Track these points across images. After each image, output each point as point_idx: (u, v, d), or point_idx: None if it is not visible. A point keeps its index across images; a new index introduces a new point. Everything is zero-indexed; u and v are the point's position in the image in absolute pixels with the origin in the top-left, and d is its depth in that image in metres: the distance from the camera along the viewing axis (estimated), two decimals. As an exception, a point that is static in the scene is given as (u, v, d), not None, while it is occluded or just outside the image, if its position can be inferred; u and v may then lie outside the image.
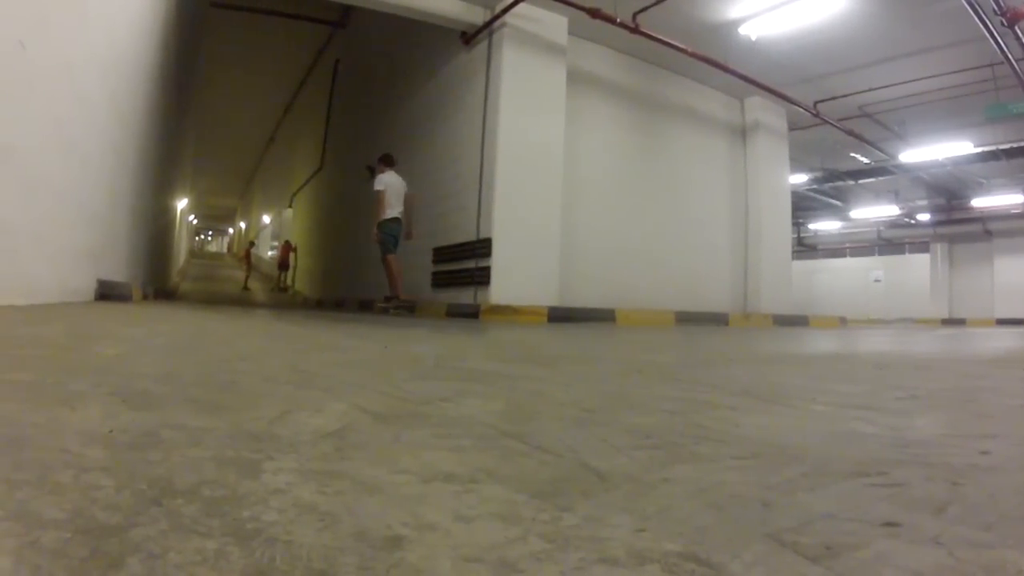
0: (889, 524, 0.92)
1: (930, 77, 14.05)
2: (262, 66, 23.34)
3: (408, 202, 11.70)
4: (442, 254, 12.61)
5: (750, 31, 12.35)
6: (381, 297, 11.79)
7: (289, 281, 29.92)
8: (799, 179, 22.22)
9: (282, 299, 23.35)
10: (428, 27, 12.34)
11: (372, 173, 15.66)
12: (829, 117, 15.60)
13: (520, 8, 11.12)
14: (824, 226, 34.16)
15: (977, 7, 10.21)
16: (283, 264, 30.02)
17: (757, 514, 0.96)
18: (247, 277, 31.62)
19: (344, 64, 20.92)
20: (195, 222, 57.12)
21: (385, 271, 11.50)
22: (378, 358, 3.33)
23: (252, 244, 40.16)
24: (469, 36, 12.07)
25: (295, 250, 28.87)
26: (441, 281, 12.60)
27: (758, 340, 7.19)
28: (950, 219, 29.00)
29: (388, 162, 11.86)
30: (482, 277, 11.12)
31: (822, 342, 7.03)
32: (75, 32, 6.25)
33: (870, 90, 14.82)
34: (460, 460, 1.19)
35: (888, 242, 34.76)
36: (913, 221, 30.57)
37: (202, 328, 5.20)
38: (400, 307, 11.62)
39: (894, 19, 12.04)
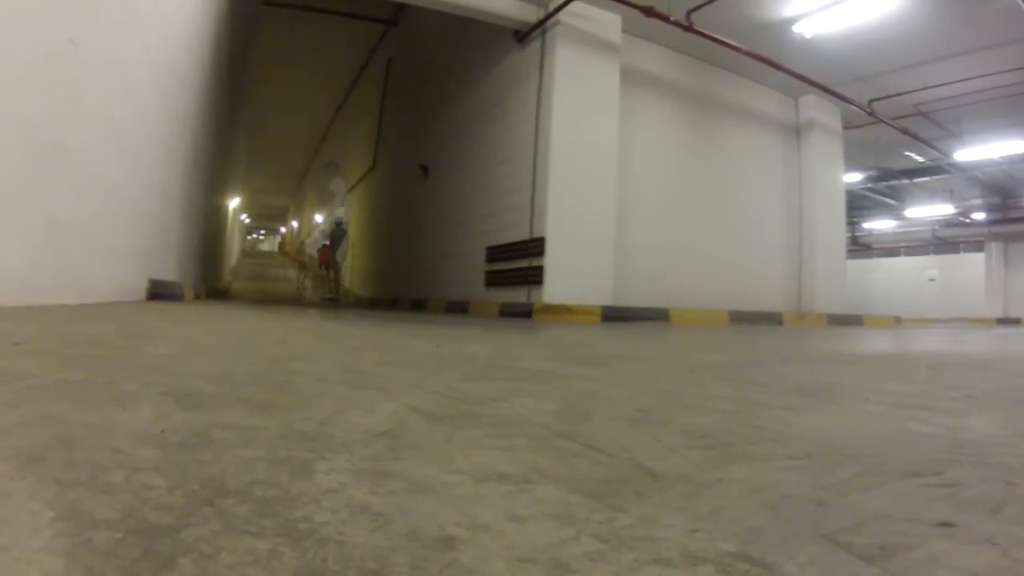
0: (944, 524, 0.91)
1: (984, 76, 13.91)
2: (314, 64, 23.46)
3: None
4: (495, 253, 12.62)
5: (804, 29, 12.29)
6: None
7: (337, 283, 27.80)
8: (853, 178, 22.09)
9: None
10: (481, 25, 12.37)
11: (426, 173, 15.74)
12: (884, 116, 15.46)
13: (574, 6, 11.12)
14: (879, 225, 33.87)
15: (1032, 5, 10.08)
16: (325, 263, 28.74)
17: (811, 514, 0.96)
18: (301, 275, 32.02)
19: (396, 63, 20.98)
20: (247, 221, 57.68)
21: None
22: (431, 358, 3.34)
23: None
24: (522, 34, 12.06)
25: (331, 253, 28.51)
26: (494, 280, 12.60)
27: (812, 340, 7.14)
28: (1005, 218, 28.64)
29: None
30: (535, 276, 11.12)
31: (876, 342, 6.98)
32: (127, 30, 6.31)
33: (924, 88, 14.69)
34: (513, 460, 1.19)
35: (943, 241, 34.37)
36: (968, 220, 30.22)
37: (254, 328, 5.24)
38: None
39: (948, 17, 11.94)
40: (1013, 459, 1.31)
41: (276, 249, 69.91)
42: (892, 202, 28.53)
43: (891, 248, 37.39)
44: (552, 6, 11.31)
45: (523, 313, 10.78)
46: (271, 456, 1.12)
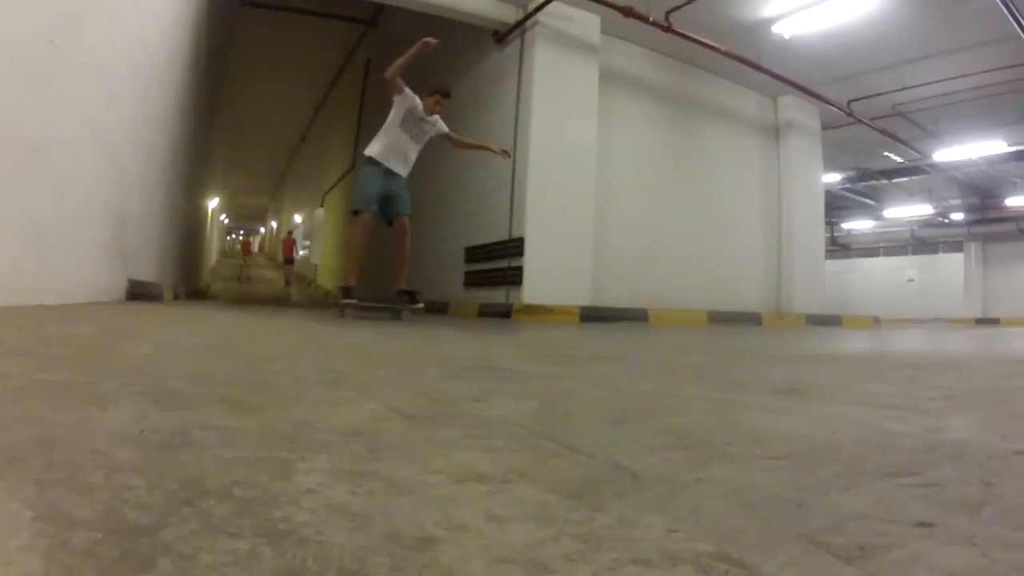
0: (923, 524, 0.91)
1: (964, 76, 14.00)
2: (293, 65, 23.43)
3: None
4: (474, 253, 12.64)
5: (783, 30, 12.35)
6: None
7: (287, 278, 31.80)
8: (832, 178, 22.20)
9: (314, 298, 23.55)
10: (460, 26, 12.38)
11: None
12: (862, 116, 15.57)
13: (553, 7, 11.14)
14: (857, 225, 34.06)
15: (1011, 5, 10.18)
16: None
17: (790, 514, 0.96)
18: (287, 275, 32.46)
19: (375, 63, 20.92)
20: (226, 221, 57.62)
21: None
22: (410, 358, 3.34)
23: (290, 233, 40.70)
24: (502, 35, 12.10)
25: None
26: (473, 280, 12.63)
27: (791, 340, 7.18)
28: (984, 218, 28.84)
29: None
30: (514, 276, 11.14)
31: (855, 342, 7.02)
32: (106, 30, 6.28)
33: (903, 89, 14.76)
34: (492, 460, 1.19)
35: (921, 241, 34.61)
36: (947, 220, 30.42)
37: (233, 328, 5.22)
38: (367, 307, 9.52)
39: (927, 18, 12.02)
40: (992, 459, 1.31)
41: (256, 249, 69.87)
42: (871, 202, 28.67)
43: (870, 248, 37.58)
44: (531, 7, 11.34)
45: (502, 313, 10.79)
46: (250, 456, 1.12)
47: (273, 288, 29.39)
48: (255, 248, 70.48)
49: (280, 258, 35.42)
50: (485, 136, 12.16)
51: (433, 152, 13.67)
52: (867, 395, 2.38)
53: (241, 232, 75.25)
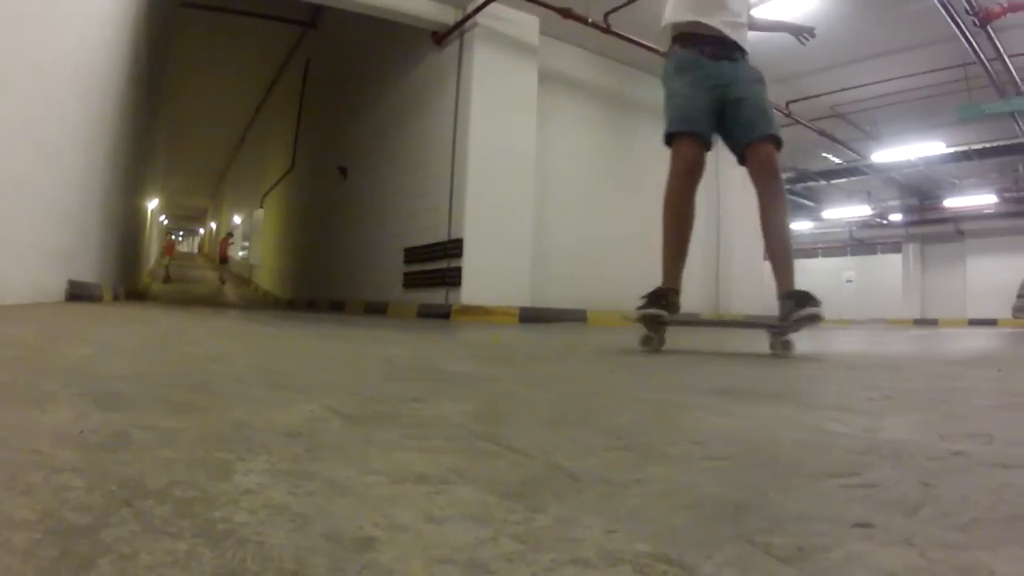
0: (862, 525, 0.90)
1: (902, 77, 14.19)
2: (232, 66, 23.29)
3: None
4: (413, 254, 12.62)
5: (722, 31, 12.32)
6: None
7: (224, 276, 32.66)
8: (771, 179, 22.29)
9: (254, 299, 23.42)
10: (399, 27, 12.34)
11: (344, 174, 15.62)
12: (801, 117, 15.74)
13: (491, 8, 11.13)
14: (796, 226, 34.23)
15: (949, 7, 10.32)
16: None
17: (729, 515, 0.95)
18: (222, 274, 32.47)
19: (315, 64, 20.92)
20: (166, 222, 56.91)
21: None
22: (349, 359, 3.33)
23: (230, 235, 40.56)
24: (440, 36, 12.07)
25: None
26: (412, 281, 12.61)
27: (730, 340, 7.22)
28: (922, 219, 29.21)
29: None
30: (453, 278, 11.14)
31: (793, 342, 7.06)
32: (46, 32, 6.22)
33: (842, 90, 14.97)
34: (431, 461, 1.18)
35: (860, 242, 34.98)
36: (885, 221, 30.82)
37: (173, 329, 5.17)
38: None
39: (866, 19, 12.15)
40: (931, 460, 1.30)
41: (196, 250, 69.24)
42: (809, 203, 28.93)
43: (808, 249, 37.84)
44: (470, 8, 11.33)
45: (441, 314, 10.79)
46: (190, 457, 1.11)
47: (211, 287, 29.21)
48: (195, 249, 69.81)
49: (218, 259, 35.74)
50: (423, 138, 12.15)
51: (372, 154, 13.65)
52: (806, 396, 2.39)
53: (181, 233, 74.38)
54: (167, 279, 29.63)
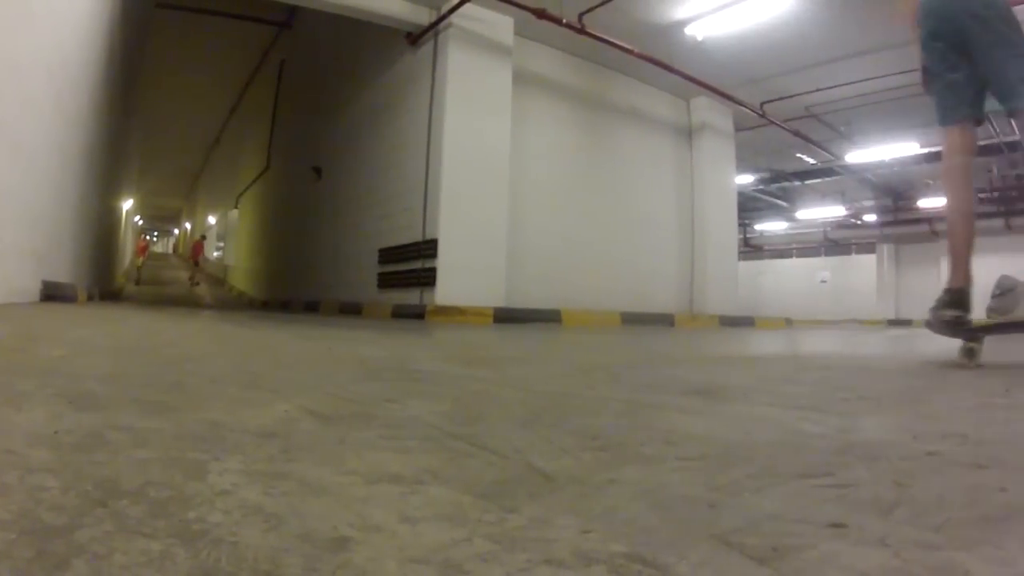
0: (836, 525, 0.91)
1: (877, 78, 14.20)
2: (207, 67, 23.24)
3: None
4: (388, 255, 12.61)
5: (696, 32, 12.42)
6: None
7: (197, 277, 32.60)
8: (745, 180, 22.46)
9: (228, 299, 23.33)
10: (374, 27, 12.33)
11: (319, 174, 15.59)
12: (775, 118, 15.76)
13: (466, 8, 11.14)
14: (770, 227, 34.42)
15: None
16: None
17: (703, 515, 0.96)
18: (195, 275, 32.30)
19: (289, 65, 20.89)
20: (141, 223, 56.57)
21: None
22: (324, 359, 3.33)
23: (203, 237, 40.43)
24: (415, 36, 12.07)
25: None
26: (387, 282, 12.60)
27: (704, 341, 7.24)
28: (896, 220, 29.27)
29: None
30: (428, 278, 11.13)
31: (768, 343, 7.07)
32: (20, 32, 6.19)
33: (817, 91, 14.97)
34: (406, 461, 1.19)
35: (834, 243, 35.04)
36: (859, 222, 30.91)
37: (148, 329, 5.16)
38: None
39: (840, 20, 12.15)
40: (904, 460, 1.32)
41: (170, 251, 68.85)
42: (784, 204, 28.98)
43: (783, 250, 37.92)
44: (445, 8, 11.33)
45: (416, 315, 10.78)
46: (164, 457, 1.11)
47: (186, 288, 29.06)
48: (169, 249, 69.32)
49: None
50: (398, 138, 12.15)
51: (346, 155, 13.63)
52: (780, 396, 2.38)
53: (156, 233, 73.93)
54: (139, 281, 29.11)
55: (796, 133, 16.66)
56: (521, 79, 12.35)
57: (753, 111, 15.31)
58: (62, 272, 8.97)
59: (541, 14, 11.08)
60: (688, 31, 12.43)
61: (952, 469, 1.27)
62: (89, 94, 10.09)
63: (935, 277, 28.89)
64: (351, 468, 1.12)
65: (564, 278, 13.02)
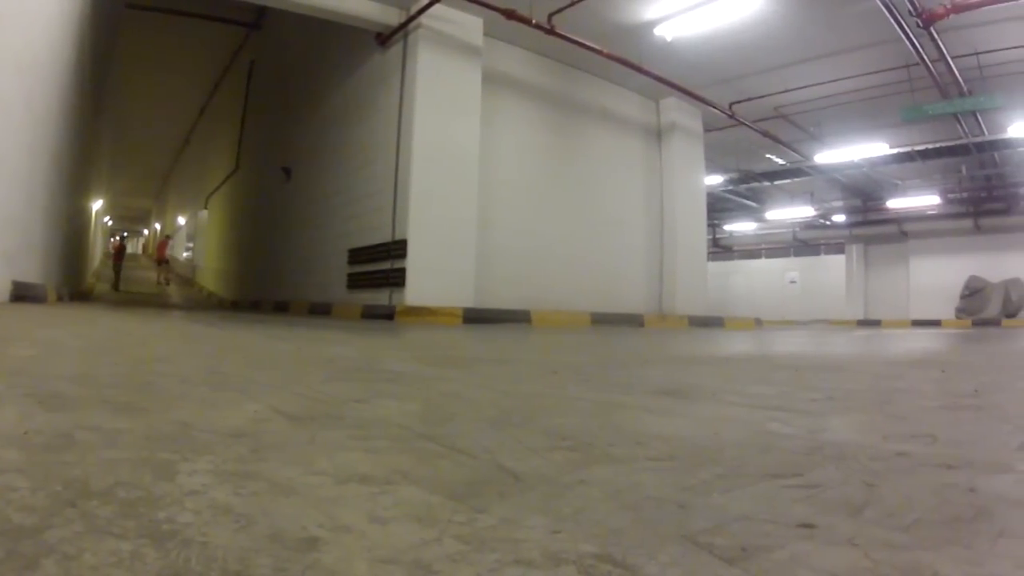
0: (805, 525, 0.93)
1: (846, 78, 14.29)
2: (177, 67, 23.10)
3: None
4: (357, 255, 12.60)
5: (665, 32, 12.41)
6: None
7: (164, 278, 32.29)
8: (714, 180, 22.48)
9: (198, 300, 23.16)
10: (343, 28, 12.32)
11: (288, 175, 15.51)
12: (744, 118, 15.84)
13: (435, 9, 11.11)
14: (740, 227, 34.35)
15: (893, 9, 10.41)
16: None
17: (673, 516, 0.97)
18: (162, 275, 32.00)
19: (259, 65, 20.80)
20: (110, 223, 56.11)
21: None
22: (293, 359, 3.34)
23: (169, 237, 40.12)
24: (384, 37, 12.05)
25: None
26: (357, 282, 12.58)
27: (673, 341, 7.26)
28: (866, 220, 29.27)
29: None
30: (397, 278, 11.11)
31: (737, 343, 7.09)
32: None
33: (786, 91, 15.04)
34: (375, 462, 1.19)
35: (804, 243, 35.02)
36: (829, 222, 30.94)
37: (118, 330, 5.14)
38: None
39: (810, 20, 12.21)
40: (874, 460, 1.34)
41: (140, 251, 68.24)
42: (753, 204, 28.95)
43: (752, 250, 37.81)
44: (414, 9, 11.30)
45: (385, 315, 10.77)
46: (134, 457, 1.11)
47: (156, 288, 28.81)
48: (139, 249, 68.74)
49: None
50: (367, 139, 12.14)
51: (316, 155, 13.59)
52: (749, 396, 2.41)
53: (126, 233, 73.37)
54: (116, 285, 27.25)
55: (765, 134, 16.73)
56: (491, 80, 12.37)
57: (722, 111, 15.36)
58: (32, 273, 8.91)
59: (510, 15, 11.08)
60: (657, 31, 12.42)
61: (921, 469, 1.28)
62: (59, 94, 10.04)
63: (904, 278, 29.10)
64: (321, 468, 1.12)
65: (533, 278, 13.03)
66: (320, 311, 13.00)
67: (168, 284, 31.59)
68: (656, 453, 1.37)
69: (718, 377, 3.31)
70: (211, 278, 29.43)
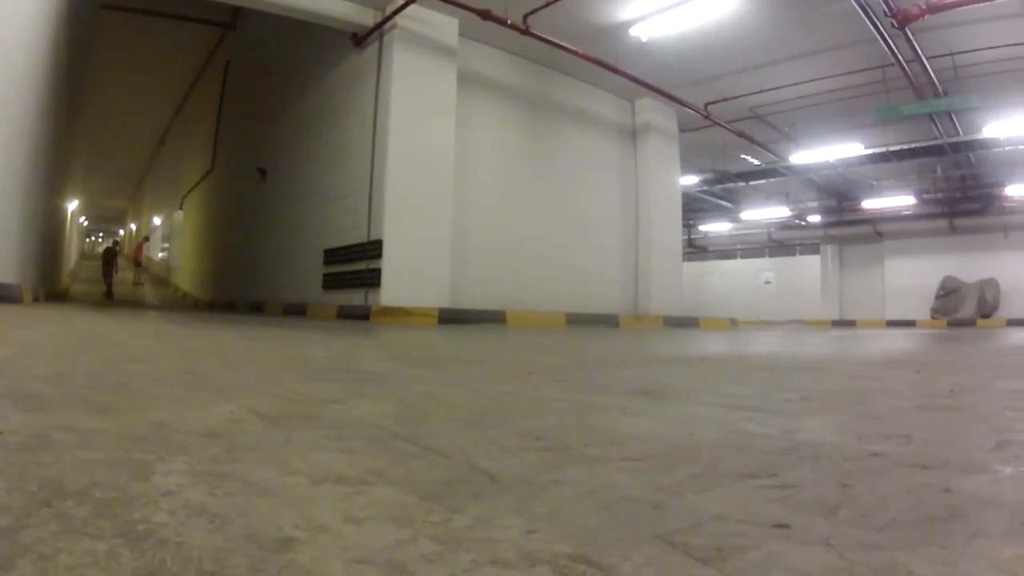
0: (780, 526, 0.93)
1: (821, 79, 14.32)
2: (152, 67, 23.01)
3: None
4: (332, 256, 12.59)
5: (641, 33, 12.43)
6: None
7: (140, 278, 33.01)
8: (690, 180, 22.52)
9: (174, 300, 23.03)
10: (319, 28, 12.30)
11: (263, 175, 15.45)
12: (720, 119, 15.87)
13: (411, 10, 11.12)
14: (715, 228, 34.34)
15: (868, 9, 10.45)
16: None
17: (648, 516, 0.98)
18: (136, 276, 32.16)
19: (234, 66, 20.72)
20: (86, 223, 55.78)
21: None
22: (269, 360, 3.33)
23: (146, 239, 40.05)
24: (360, 37, 12.06)
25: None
26: (332, 283, 12.57)
27: (648, 342, 7.26)
28: (841, 220, 29.30)
29: None
30: (373, 279, 11.12)
31: (713, 344, 7.11)
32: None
33: (761, 92, 15.08)
34: (351, 462, 1.19)
35: (779, 244, 35.02)
36: (804, 223, 30.98)
37: (93, 330, 5.11)
38: None
39: (785, 21, 12.25)
40: (849, 461, 1.34)
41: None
42: (728, 204, 28.97)
43: (727, 250, 37.75)
44: (389, 9, 11.31)
45: (361, 315, 10.78)
46: (110, 458, 1.11)
47: (131, 289, 28.67)
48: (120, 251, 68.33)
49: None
50: (342, 139, 12.13)
51: (291, 156, 13.57)
52: (724, 397, 2.43)
53: (101, 234, 72.87)
54: (110, 293, 24.71)
55: (740, 134, 16.78)
56: (466, 80, 12.39)
57: (697, 112, 15.38)
58: (7, 273, 8.90)
59: (486, 15, 11.08)
60: (633, 32, 12.44)
61: (896, 470, 1.29)
62: (34, 95, 10.02)
63: (879, 278, 29.21)
64: (296, 468, 1.13)
65: (509, 279, 13.05)
66: (295, 311, 12.99)
67: (142, 284, 31.82)
68: (631, 453, 1.38)
69: (693, 377, 3.32)
70: (186, 278, 29.32)
